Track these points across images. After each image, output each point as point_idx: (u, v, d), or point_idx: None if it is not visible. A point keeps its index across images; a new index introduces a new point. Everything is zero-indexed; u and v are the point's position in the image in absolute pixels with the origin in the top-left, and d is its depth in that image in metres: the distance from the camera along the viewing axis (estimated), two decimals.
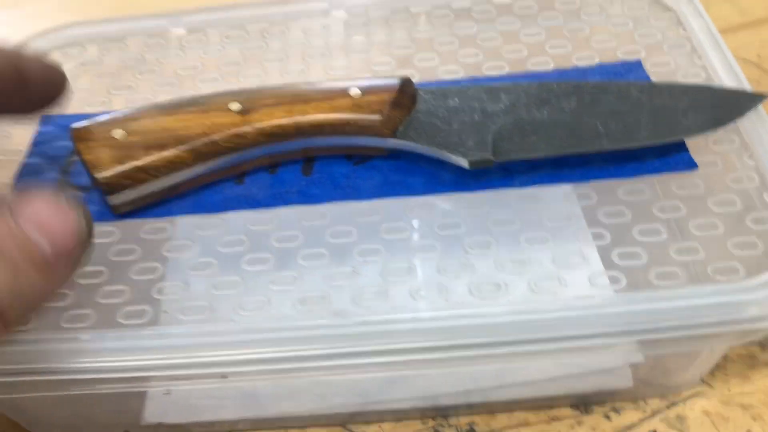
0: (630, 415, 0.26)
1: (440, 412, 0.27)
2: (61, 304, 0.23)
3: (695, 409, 0.26)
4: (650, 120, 0.25)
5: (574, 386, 0.26)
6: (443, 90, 0.27)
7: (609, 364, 0.25)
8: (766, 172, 0.25)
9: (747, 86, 0.27)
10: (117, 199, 0.25)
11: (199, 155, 0.25)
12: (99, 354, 0.22)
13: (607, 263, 0.23)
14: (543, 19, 0.32)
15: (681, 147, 0.26)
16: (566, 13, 0.32)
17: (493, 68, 0.30)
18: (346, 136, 0.26)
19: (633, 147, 0.25)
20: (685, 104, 0.26)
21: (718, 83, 0.28)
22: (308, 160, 0.27)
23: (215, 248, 0.25)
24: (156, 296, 0.24)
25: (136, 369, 0.21)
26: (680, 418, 0.26)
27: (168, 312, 0.23)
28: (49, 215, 0.19)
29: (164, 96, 0.31)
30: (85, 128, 0.25)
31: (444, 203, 0.26)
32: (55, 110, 0.27)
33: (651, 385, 0.26)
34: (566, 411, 0.27)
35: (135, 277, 0.24)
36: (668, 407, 0.26)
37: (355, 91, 0.26)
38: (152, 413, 0.26)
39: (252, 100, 0.26)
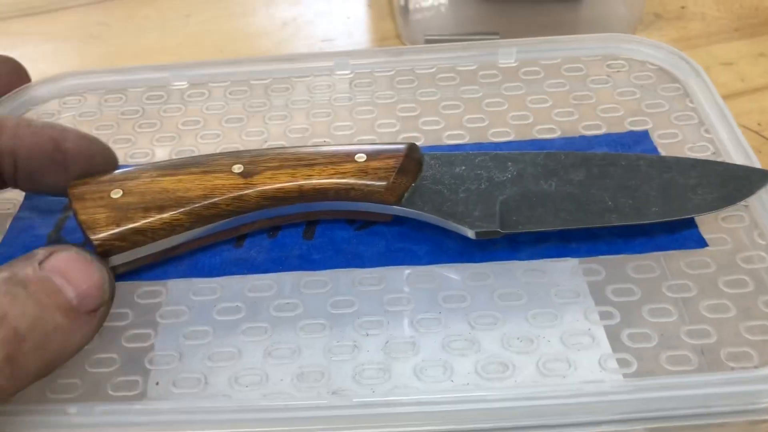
0: None
1: None
2: None
3: None
4: (660, 195, 0.25)
5: None
6: (449, 156, 0.27)
7: None
8: None
9: (756, 162, 0.27)
10: (112, 261, 0.24)
11: (199, 218, 0.24)
12: (86, 429, 0.20)
13: (618, 345, 0.23)
14: (549, 86, 0.32)
15: (690, 223, 0.26)
16: (572, 79, 0.32)
17: (498, 134, 0.30)
18: (349, 201, 0.25)
19: (642, 223, 0.25)
20: (695, 180, 0.25)
21: (726, 158, 0.28)
22: (310, 223, 0.27)
23: (211, 315, 0.24)
24: (148, 366, 0.23)
25: None
26: None
27: (160, 384, 0.22)
28: (73, 267, 0.20)
29: (164, 150, 0.30)
30: (82, 187, 0.24)
31: (449, 274, 0.25)
32: None
33: None
34: None
35: (126, 345, 0.23)
36: None
37: (360, 156, 0.25)
38: None
39: (255, 162, 0.25)
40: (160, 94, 0.33)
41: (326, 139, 0.30)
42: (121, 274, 0.25)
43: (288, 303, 0.24)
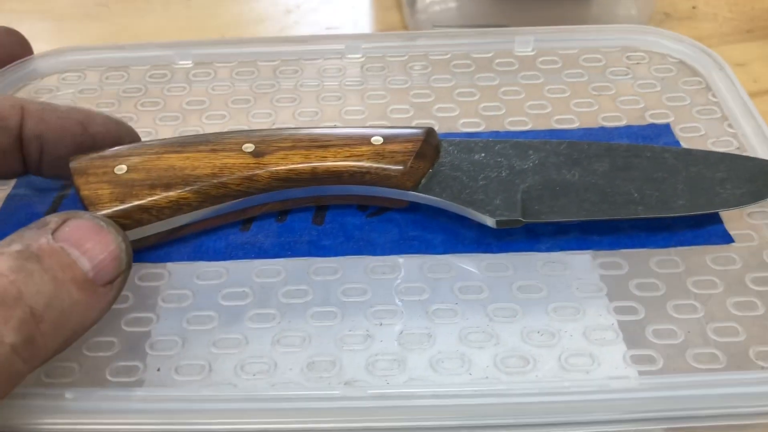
0: None
1: None
2: None
3: None
4: (687, 189, 0.24)
5: None
6: (468, 143, 0.26)
7: None
8: None
9: None
10: None
11: (207, 197, 0.23)
12: (83, 415, 0.19)
13: (642, 341, 0.22)
14: (567, 75, 0.31)
15: (715, 218, 0.25)
16: (591, 70, 0.31)
17: (515, 123, 0.29)
18: (364, 186, 0.24)
19: (668, 216, 0.24)
20: (722, 174, 0.25)
21: (752, 153, 0.27)
22: (320, 208, 0.26)
23: (216, 300, 0.23)
24: (148, 351, 0.21)
25: None
26: None
27: (161, 370, 0.21)
28: (88, 237, 0.19)
29: (167, 130, 0.29)
30: (85, 162, 0.23)
31: (465, 264, 0.24)
32: None
33: None
34: None
35: (126, 328, 0.22)
36: None
37: (377, 139, 0.24)
38: None
39: (267, 142, 0.24)
40: (163, 73, 0.32)
41: (337, 123, 0.29)
42: None
43: (297, 289, 0.23)
